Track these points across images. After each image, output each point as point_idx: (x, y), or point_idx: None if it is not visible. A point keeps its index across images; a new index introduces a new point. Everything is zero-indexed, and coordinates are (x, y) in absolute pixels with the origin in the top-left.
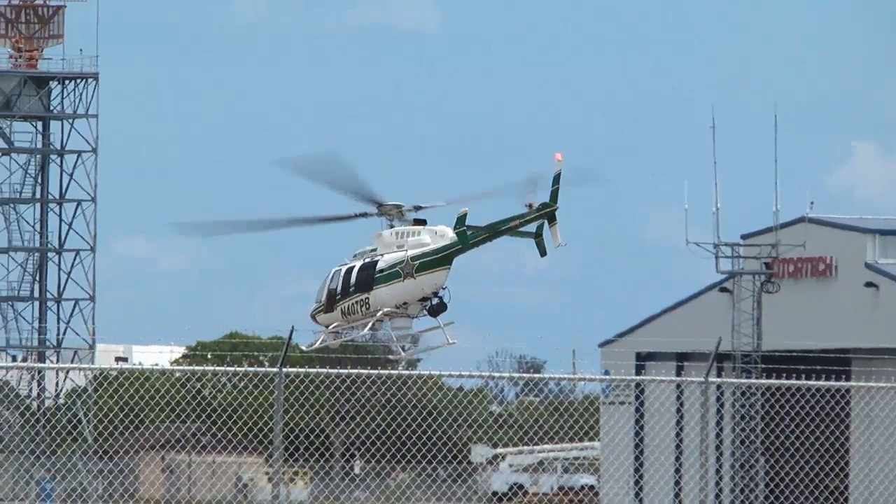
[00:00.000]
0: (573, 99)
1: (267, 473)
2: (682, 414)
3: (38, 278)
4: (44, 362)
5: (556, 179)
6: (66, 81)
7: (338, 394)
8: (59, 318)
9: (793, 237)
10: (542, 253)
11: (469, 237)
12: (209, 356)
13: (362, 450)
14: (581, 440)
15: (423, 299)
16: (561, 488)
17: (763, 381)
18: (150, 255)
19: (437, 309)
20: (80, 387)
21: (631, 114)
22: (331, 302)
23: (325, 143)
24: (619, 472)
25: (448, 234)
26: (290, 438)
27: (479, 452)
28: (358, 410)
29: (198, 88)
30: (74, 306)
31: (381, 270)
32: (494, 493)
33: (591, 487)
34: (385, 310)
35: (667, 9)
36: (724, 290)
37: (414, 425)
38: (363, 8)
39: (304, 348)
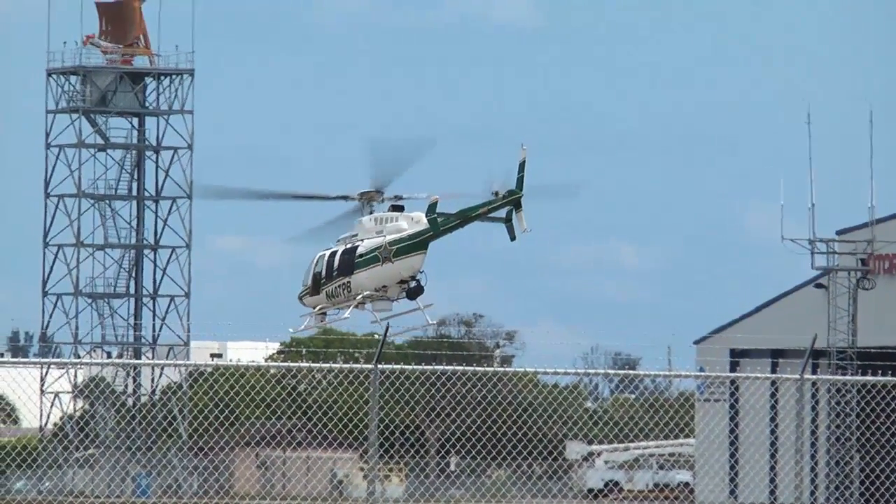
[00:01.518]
0: (668, 94)
1: (362, 470)
2: (777, 411)
3: (133, 275)
4: (139, 359)
5: (521, 168)
6: (162, 78)
7: (433, 390)
8: (154, 315)
9: (888, 233)
10: (512, 237)
11: (440, 224)
12: (304, 352)
13: (458, 446)
14: (676, 437)
15: (402, 282)
16: (656, 485)
17: (858, 377)
18: (246, 251)
19: (415, 291)
20: (175, 383)
21: (727, 109)
22: (316, 285)
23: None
24: (715, 468)
25: (423, 221)
26: (385, 435)
27: (575, 449)
28: (454, 407)
29: (292, 83)
30: (170, 303)
31: (361, 255)
32: (590, 490)
33: (687, 484)
34: (365, 293)
35: (760, 4)
36: (819, 286)
37: (510, 422)
38: (455, 3)
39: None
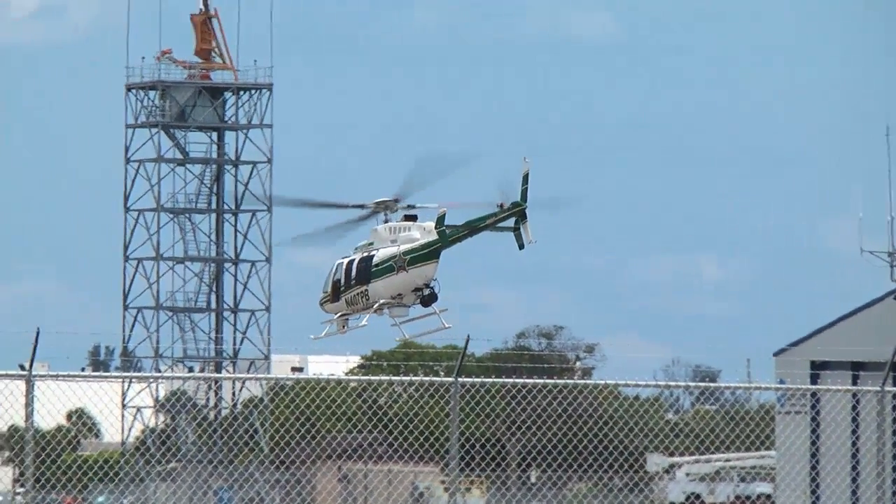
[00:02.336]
0: (746, 108)
1: (443, 482)
2: (858, 423)
3: (214, 289)
4: (220, 373)
5: (525, 180)
6: (241, 92)
7: (514, 403)
8: (235, 329)
9: None
10: (520, 246)
11: (448, 235)
12: (384, 366)
13: (538, 459)
14: (757, 449)
15: (416, 290)
16: (738, 497)
17: None
18: (326, 264)
19: (429, 299)
20: (256, 397)
21: (805, 121)
22: (336, 292)
23: (497, 149)
24: (796, 481)
25: (434, 230)
26: (465, 448)
27: (656, 461)
28: (534, 420)
29: (370, 98)
30: (251, 317)
31: (377, 264)
32: (671, 503)
33: (768, 496)
34: (382, 301)
35: (835, 14)
36: None
37: (590, 434)
38: (535, 17)
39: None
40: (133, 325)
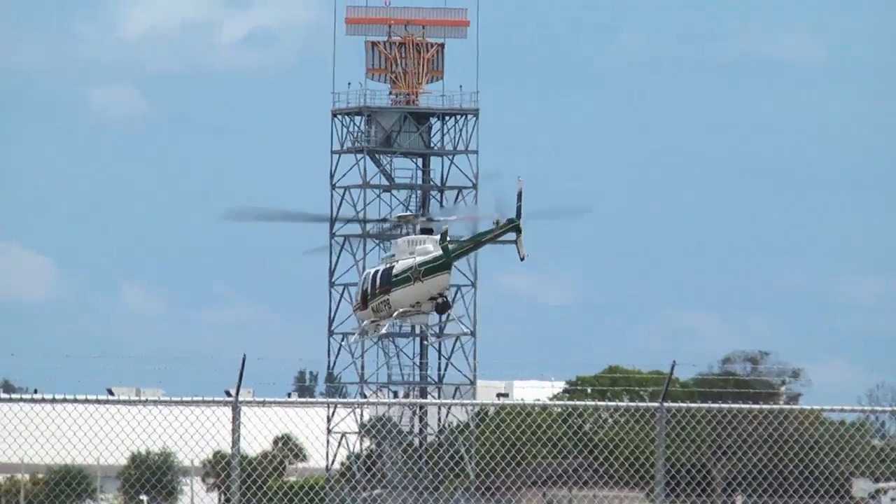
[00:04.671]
0: None
1: None
2: None
3: None
4: (425, 398)
5: (519, 198)
6: (446, 118)
7: (719, 428)
8: (440, 354)
9: None
10: (521, 258)
11: (451, 250)
12: (589, 391)
13: (744, 485)
14: None
15: (432, 299)
16: None
17: None
18: (530, 290)
19: (443, 307)
20: (461, 423)
21: None
22: (364, 300)
23: (693, 175)
24: None
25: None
26: (671, 473)
27: (861, 487)
28: (739, 445)
29: (577, 122)
30: (455, 342)
31: (396, 275)
32: None
33: None
34: (402, 309)
35: None
36: None
37: (796, 460)
38: (738, 40)
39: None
40: (338, 351)
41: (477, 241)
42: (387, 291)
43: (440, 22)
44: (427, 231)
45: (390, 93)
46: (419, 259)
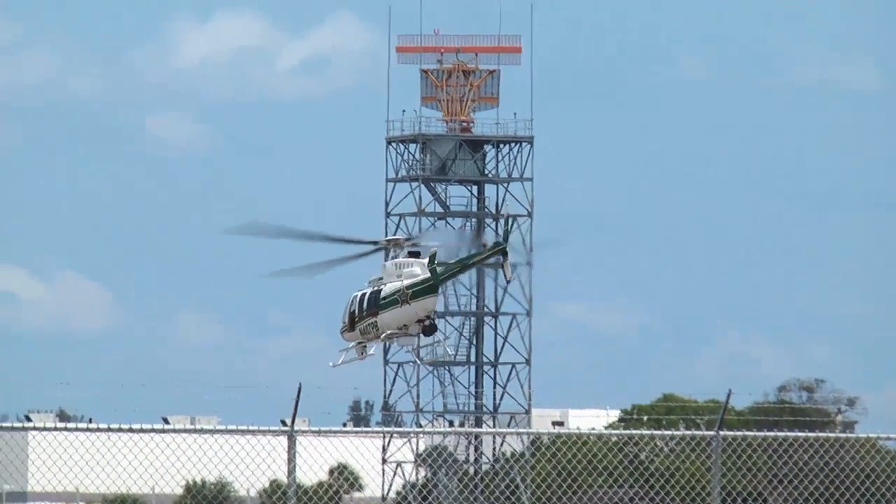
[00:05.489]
0: None
1: None
2: None
3: (474, 342)
4: (481, 427)
5: (507, 222)
6: (501, 145)
7: (775, 457)
8: (495, 383)
9: None
10: (507, 280)
11: (440, 273)
12: (645, 419)
13: None
14: None
15: (419, 321)
16: None
17: None
18: (586, 318)
19: (430, 329)
20: (517, 451)
21: None
22: (352, 323)
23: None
24: None
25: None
26: (727, 502)
27: None
28: (796, 474)
29: (633, 150)
30: (511, 370)
31: (384, 298)
32: None
33: None
34: (389, 331)
35: None
36: None
37: (853, 489)
38: (794, 64)
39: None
40: (394, 380)
41: (464, 265)
42: (374, 314)
43: (492, 49)
44: (414, 255)
45: (443, 120)
46: (407, 282)
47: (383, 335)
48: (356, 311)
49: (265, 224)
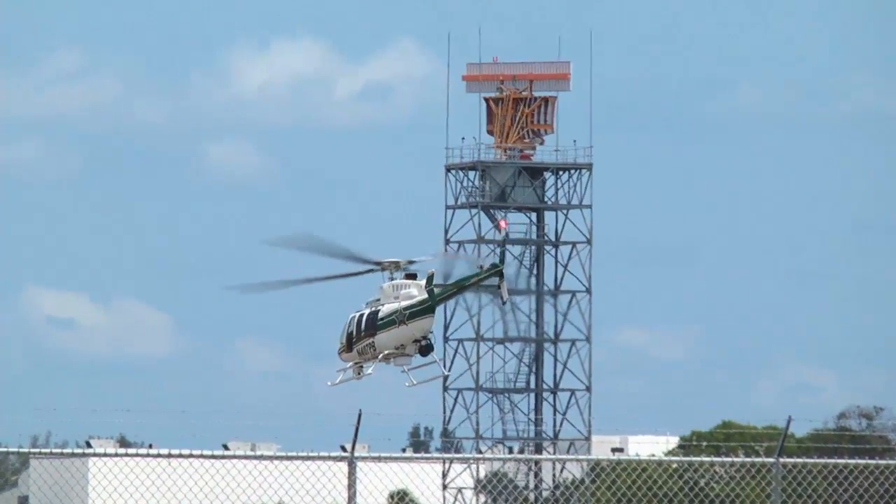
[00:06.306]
0: None
1: None
2: None
3: (534, 369)
4: (541, 454)
5: (503, 243)
6: (560, 172)
7: (835, 484)
8: (555, 409)
9: None
10: (503, 302)
11: (437, 294)
12: (704, 446)
13: None
14: None
15: (415, 341)
16: None
17: None
18: (645, 345)
19: (426, 349)
20: (576, 478)
21: None
22: (349, 343)
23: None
24: None
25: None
26: None
27: None
28: (856, 501)
29: (693, 177)
30: (570, 397)
31: (382, 318)
32: None
33: None
34: (387, 351)
35: None
36: None
37: None
38: (856, 94)
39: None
40: (453, 407)
41: (461, 286)
42: (372, 335)
43: (542, 76)
44: (411, 276)
45: (500, 147)
46: (404, 303)
47: (381, 355)
48: (354, 332)
49: (307, 237)
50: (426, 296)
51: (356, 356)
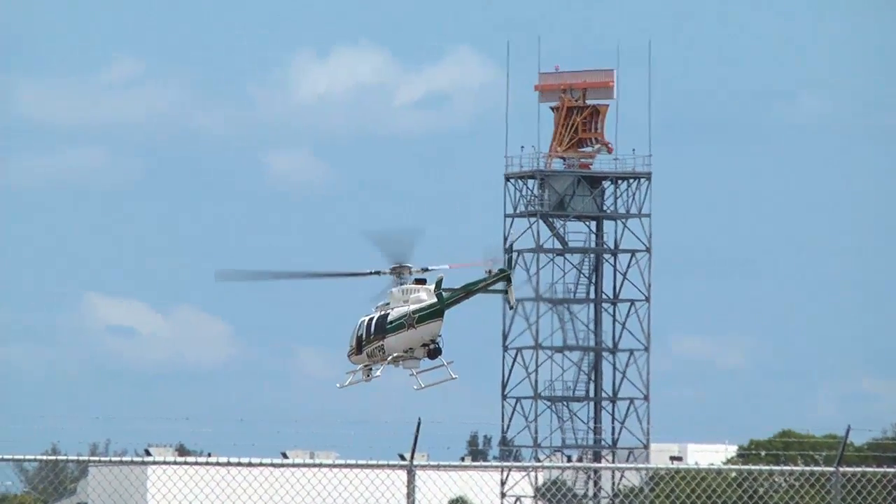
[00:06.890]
0: None
1: None
2: None
3: (592, 378)
4: (600, 462)
5: (510, 249)
6: (619, 181)
7: (895, 493)
8: (613, 418)
9: None
10: (510, 306)
11: (445, 298)
12: (762, 454)
13: None
14: None
15: (424, 345)
16: None
17: None
18: (704, 354)
19: (435, 352)
20: (635, 486)
21: None
22: (359, 346)
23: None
24: None
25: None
26: None
27: None
28: None
29: (751, 186)
30: (629, 405)
31: (391, 322)
32: None
33: None
34: (395, 354)
35: None
36: None
37: None
38: None
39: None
40: (512, 415)
41: (468, 290)
42: (381, 338)
43: (594, 84)
44: (420, 281)
45: (560, 156)
46: (413, 307)
47: (390, 357)
48: (363, 335)
49: (241, 270)
50: (435, 300)
51: (365, 359)
